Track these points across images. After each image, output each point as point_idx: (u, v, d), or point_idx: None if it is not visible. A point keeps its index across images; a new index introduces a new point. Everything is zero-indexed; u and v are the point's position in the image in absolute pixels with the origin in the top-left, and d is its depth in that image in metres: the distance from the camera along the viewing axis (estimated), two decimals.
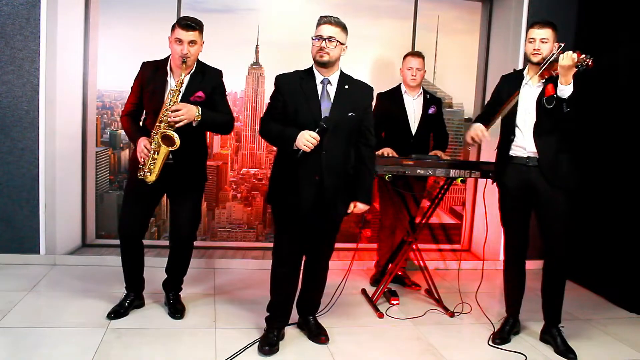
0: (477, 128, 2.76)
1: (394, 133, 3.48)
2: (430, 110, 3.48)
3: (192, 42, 2.59)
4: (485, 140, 2.77)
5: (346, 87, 2.52)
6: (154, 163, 2.58)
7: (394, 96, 3.49)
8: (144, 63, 2.72)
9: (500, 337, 2.82)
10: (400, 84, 3.52)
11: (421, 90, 3.52)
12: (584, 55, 2.41)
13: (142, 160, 2.59)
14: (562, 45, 2.55)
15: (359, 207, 2.58)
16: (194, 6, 3.92)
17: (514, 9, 4.08)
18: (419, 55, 3.45)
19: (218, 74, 2.78)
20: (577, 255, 3.70)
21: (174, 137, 2.52)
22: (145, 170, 2.60)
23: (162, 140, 2.55)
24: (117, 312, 2.82)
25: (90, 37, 3.82)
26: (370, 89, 2.61)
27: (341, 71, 2.55)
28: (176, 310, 2.90)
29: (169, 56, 2.71)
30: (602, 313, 3.36)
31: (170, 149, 2.55)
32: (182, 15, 3.86)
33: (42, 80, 3.49)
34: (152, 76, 2.66)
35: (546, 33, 2.60)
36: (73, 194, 3.82)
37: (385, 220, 3.60)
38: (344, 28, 2.47)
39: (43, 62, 3.48)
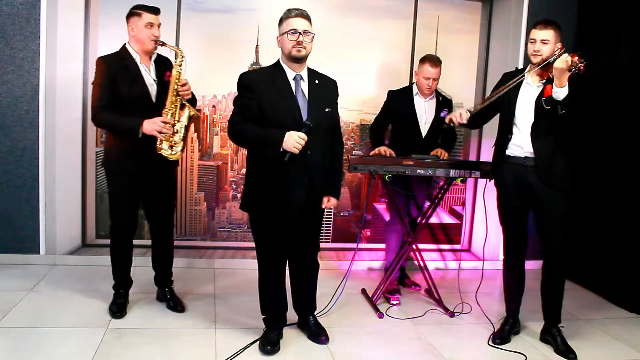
0: (459, 111, 2.77)
1: (403, 133, 3.44)
2: (443, 113, 3.39)
3: (159, 25, 2.72)
4: (462, 121, 2.77)
5: (316, 81, 2.50)
6: (184, 134, 2.72)
7: (405, 96, 3.43)
8: (103, 58, 2.74)
9: (500, 337, 2.82)
10: (413, 84, 3.47)
11: (434, 92, 3.48)
12: (577, 59, 2.40)
13: (162, 135, 2.64)
14: (563, 49, 2.54)
15: (332, 201, 2.60)
16: (194, 6, 3.92)
17: (514, 9, 4.08)
18: (438, 64, 3.31)
19: (169, 59, 2.89)
20: (577, 255, 3.70)
21: (188, 106, 2.75)
22: (166, 147, 2.69)
23: (188, 106, 2.74)
24: (121, 310, 2.84)
25: (90, 37, 3.82)
26: (335, 82, 2.61)
27: (307, 66, 2.52)
28: (176, 304, 2.95)
29: (123, 47, 2.76)
30: (602, 313, 3.36)
31: (195, 115, 2.79)
32: (181, 16, 3.88)
33: (42, 80, 3.49)
34: (121, 66, 2.69)
35: (547, 34, 2.59)
36: (73, 194, 3.82)
37: (392, 218, 3.57)
38: (311, 21, 2.45)
39: (43, 62, 3.48)
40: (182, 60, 2.70)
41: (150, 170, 2.74)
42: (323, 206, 2.58)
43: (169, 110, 2.68)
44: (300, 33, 2.36)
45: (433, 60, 3.32)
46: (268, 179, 2.42)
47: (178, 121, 2.71)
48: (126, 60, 2.71)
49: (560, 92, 2.48)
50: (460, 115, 2.75)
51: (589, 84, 2.56)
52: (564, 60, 2.41)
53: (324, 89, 2.52)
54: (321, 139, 2.46)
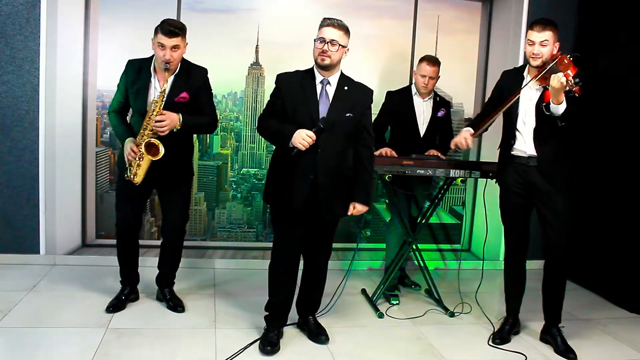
0: (463, 135, 2.77)
1: (401, 134, 3.45)
2: (440, 113, 3.43)
3: (174, 47, 2.61)
4: (468, 147, 2.80)
5: (345, 88, 2.53)
6: (139, 168, 2.65)
7: (404, 96, 3.44)
8: (129, 61, 2.77)
9: (500, 337, 2.83)
10: (412, 84, 3.49)
11: (432, 92, 3.48)
12: (572, 81, 2.37)
13: (129, 162, 2.66)
14: (559, 45, 2.53)
15: (358, 208, 2.58)
16: (194, 6, 3.92)
17: (514, 9, 4.08)
18: (435, 63, 3.32)
19: (204, 72, 2.81)
20: (577, 255, 3.70)
21: (159, 145, 2.60)
22: (131, 172, 2.67)
23: (145, 149, 2.61)
24: (116, 306, 2.88)
25: (90, 37, 3.82)
26: (370, 91, 2.61)
27: (341, 72, 2.56)
28: (176, 304, 2.96)
29: (151, 58, 2.74)
30: (602, 313, 3.36)
31: (152, 159, 2.61)
32: (181, 16, 3.88)
33: (42, 80, 3.49)
34: (135, 77, 2.71)
35: (546, 35, 2.55)
36: (73, 194, 3.82)
37: (393, 218, 3.57)
38: (346, 31, 2.47)
39: (43, 62, 3.48)
40: (164, 94, 2.61)
41: (163, 173, 2.73)
42: (349, 213, 2.58)
43: (140, 138, 2.63)
44: (327, 42, 2.42)
45: (431, 59, 3.34)
46: (281, 173, 2.52)
47: (140, 157, 2.62)
48: (143, 71, 2.71)
49: (558, 108, 2.47)
50: (465, 140, 2.75)
51: (588, 84, 2.54)
52: (559, 81, 2.38)
53: (352, 95, 2.53)
54: (337, 141, 2.49)
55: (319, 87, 2.51)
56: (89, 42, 3.81)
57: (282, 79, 2.54)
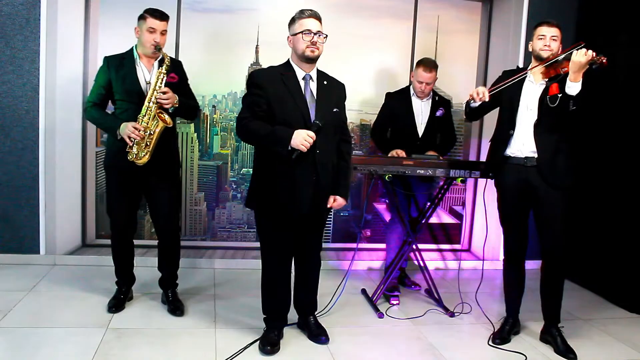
0: (479, 88, 2.71)
1: (400, 134, 3.45)
2: (438, 113, 3.44)
3: (163, 32, 2.74)
4: (483, 99, 2.67)
5: (325, 82, 2.52)
6: (149, 142, 2.68)
7: (402, 97, 3.45)
8: (106, 57, 2.82)
9: (500, 337, 2.82)
10: (411, 85, 3.49)
11: (431, 92, 3.48)
12: (595, 54, 2.40)
13: (133, 141, 2.66)
14: (582, 44, 2.54)
15: (339, 201, 2.57)
16: (194, 6, 3.92)
17: (514, 9, 4.08)
18: (432, 69, 3.30)
19: (180, 63, 2.93)
20: (577, 255, 3.70)
21: (166, 117, 2.69)
22: (135, 152, 2.68)
23: (159, 116, 2.68)
24: (116, 306, 2.89)
25: (90, 37, 3.82)
26: (343, 85, 2.63)
27: (317, 67, 2.54)
28: (176, 307, 2.94)
29: (131, 49, 2.81)
30: (602, 313, 3.36)
31: (167, 125, 2.69)
32: (181, 16, 3.88)
33: (42, 80, 3.49)
34: (119, 63, 2.76)
35: (556, 31, 2.64)
36: (73, 194, 3.82)
37: (393, 218, 3.57)
38: (322, 21, 2.47)
39: (43, 62, 3.48)
40: (167, 67, 2.69)
41: (148, 171, 2.74)
42: (328, 206, 2.57)
43: (143, 116, 2.67)
44: (314, 34, 2.39)
45: (428, 65, 3.31)
46: (276, 177, 2.42)
47: (149, 129, 2.66)
48: (126, 59, 2.77)
49: (574, 87, 2.47)
50: (482, 92, 2.65)
51: (590, 84, 2.55)
52: (583, 54, 2.41)
53: (332, 90, 2.54)
54: (329, 138, 2.48)
55: (302, 83, 2.46)
56: (89, 42, 3.82)
57: (260, 76, 2.43)
